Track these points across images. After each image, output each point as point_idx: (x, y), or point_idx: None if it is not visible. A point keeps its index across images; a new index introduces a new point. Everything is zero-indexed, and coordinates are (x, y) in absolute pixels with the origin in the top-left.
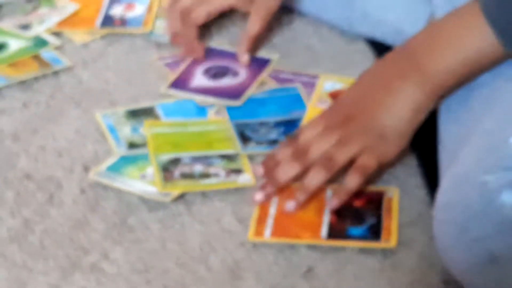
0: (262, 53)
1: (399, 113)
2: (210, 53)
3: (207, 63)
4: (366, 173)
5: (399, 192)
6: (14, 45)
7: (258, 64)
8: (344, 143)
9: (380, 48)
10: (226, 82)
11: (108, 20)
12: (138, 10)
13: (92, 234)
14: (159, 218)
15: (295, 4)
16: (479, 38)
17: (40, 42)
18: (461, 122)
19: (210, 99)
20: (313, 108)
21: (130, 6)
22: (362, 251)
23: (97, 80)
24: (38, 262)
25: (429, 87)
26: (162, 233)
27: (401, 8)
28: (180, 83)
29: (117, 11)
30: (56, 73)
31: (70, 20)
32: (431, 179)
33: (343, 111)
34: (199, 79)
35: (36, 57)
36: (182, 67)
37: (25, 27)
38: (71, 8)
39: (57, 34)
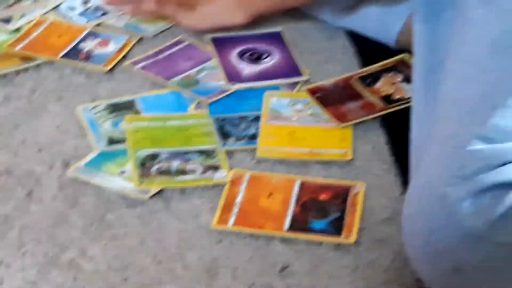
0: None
1: None
2: (229, 40)
3: (234, 50)
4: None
5: (377, 189)
6: None
7: (274, 38)
8: None
9: (360, 43)
10: (270, 62)
11: (74, 52)
12: (110, 48)
13: (71, 231)
14: (137, 214)
15: None
16: None
17: None
18: (425, 124)
19: (275, 82)
20: (266, 126)
21: (104, 42)
22: (338, 248)
23: (78, 74)
24: (16, 258)
25: None
26: (140, 230)
27: (384, 1)
28: (234, 76)
29: (89, 44)
30: (38, 66)
31: (38, 42)
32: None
33: None
34: (244, 67)
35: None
36: (213, 61)
37: (7, 20)
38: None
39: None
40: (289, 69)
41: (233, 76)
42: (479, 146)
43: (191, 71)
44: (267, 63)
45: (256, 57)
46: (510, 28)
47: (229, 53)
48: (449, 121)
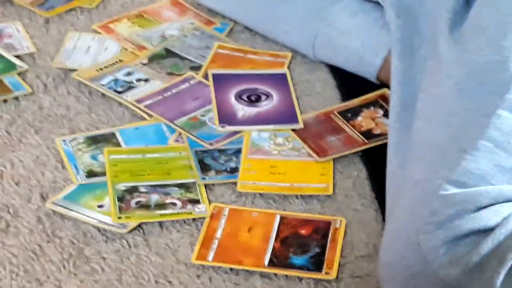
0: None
1: None
2: (230, 78)
3: (233, 89)
4: None
5: (357, 225)
6: None
7: (278, 79)
8: None
9: (342, 77)
10: (268, 105)
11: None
12: None
13: (47, 265)
14: (115, 249)
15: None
16: None
17: (7, 66)
18: (399, 163)
19: (269, 127)
20: (247, 160)
21: None
22: (318, 285)
23: (58, 106)
24: None
25: None
26: (118, 264)
27: (364, 36)
28: (226, 118)
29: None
30: (16, 98)
31: None
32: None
33: None
34: (240, 108)
35: None
36: (212, 99)
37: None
38: None
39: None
40: (287, 115)
41: (224, 117)
42: (451, 191)
43: (197, 112)
44: (265, 105)
45: (255, 98)
46: (473, 70)
47: (226, 93)
48: (420, 164)
